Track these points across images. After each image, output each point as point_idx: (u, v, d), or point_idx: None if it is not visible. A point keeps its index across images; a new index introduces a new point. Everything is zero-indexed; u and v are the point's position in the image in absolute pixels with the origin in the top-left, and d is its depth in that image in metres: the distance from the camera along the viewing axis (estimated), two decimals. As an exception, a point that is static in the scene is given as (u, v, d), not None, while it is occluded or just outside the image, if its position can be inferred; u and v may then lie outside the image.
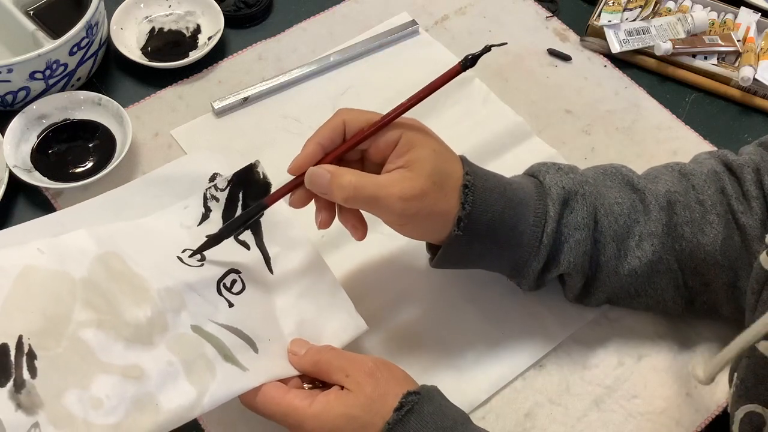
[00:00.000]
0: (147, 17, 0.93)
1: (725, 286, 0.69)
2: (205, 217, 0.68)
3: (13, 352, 0.53)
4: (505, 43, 0.62)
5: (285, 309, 0.66)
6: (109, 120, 0.84)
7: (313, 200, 0.64)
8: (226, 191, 0.69)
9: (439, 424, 0.58)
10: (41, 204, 0.80)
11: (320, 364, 0.61)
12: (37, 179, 0.79)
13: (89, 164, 0.81)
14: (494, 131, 0.87)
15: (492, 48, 0.60)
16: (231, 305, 0.63)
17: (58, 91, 0.84)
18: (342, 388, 0.59)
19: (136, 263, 0.61)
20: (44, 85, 0.82)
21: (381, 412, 0.57)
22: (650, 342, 0.74)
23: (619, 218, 0.68)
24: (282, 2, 0.98)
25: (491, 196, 0.64)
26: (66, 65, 0.82)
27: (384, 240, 0.77)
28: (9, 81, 0.80)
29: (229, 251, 0.66)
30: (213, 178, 0.70)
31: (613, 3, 0.97)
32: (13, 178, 0.78)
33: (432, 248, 0.70)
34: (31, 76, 0.81)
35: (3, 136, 0.80)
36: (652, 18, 0.97)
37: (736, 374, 0.62)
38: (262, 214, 0.67)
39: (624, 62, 0.95)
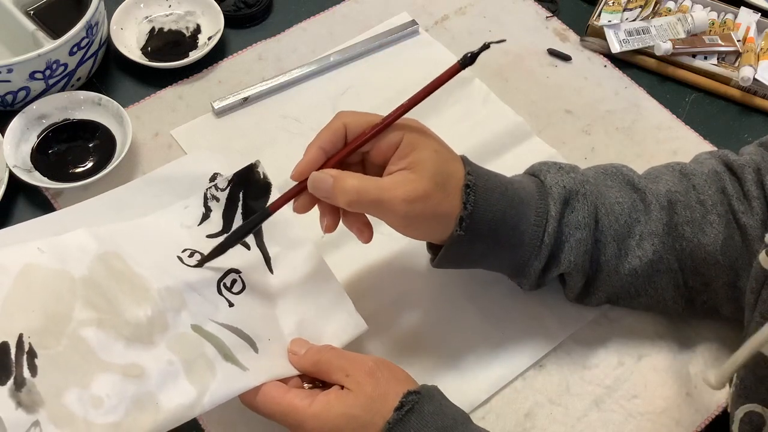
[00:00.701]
0: (147, 17, 0.93)
1: (725, 286, 0.69)
2: (205, 216, 0.68)
3: (13, 351, 0.53)
4: (504, 40, 0.62)
5: (285, 309, 0.66)
6: (109, 120, 0.84)
7: (316, 205, 0.64)
8: (227, 191, 0.69)
9: (439, 424, 0.58)
10: (41, 204, 0.80)
11: (320, 363, 0.61)
12: (37, 179, 0.79)
13: (89, 164, 0.81)
14: (494, 131, 0.87)
15: (491, 45, 0.59)
16: (231, 305, 0.63)
17: (58, 91, 0.84)
18: (342, 387, 0.59)
19: (136, 262, 0.61)
20: (44, 85, 0.82)
21: (381, 412, 0.57)
22: (650, 342, 0.74)
23: (620, 218, 0.68)
24: (282, 2, 0.98)
25: (493, 196, 0.64)
26: (66, 65, 0.82)
27: (384, 240, 0.77)
28: (9, 81, 0.80)
29: (229, 251, 0.66)
30: (213, 177, 0.70)
31: (613, 3, 0.97)
32: (13, 178, 0.78)
33: (433, 248, 0.70)
34: (31, 76, 0.81)
35: (3, 136, 0.80)
36: (652, 18, 0.97)
37: (736, 374, 0.62)
38: (267, 198, 0.67)
39: (624, 62, 0.95)
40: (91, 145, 0.83)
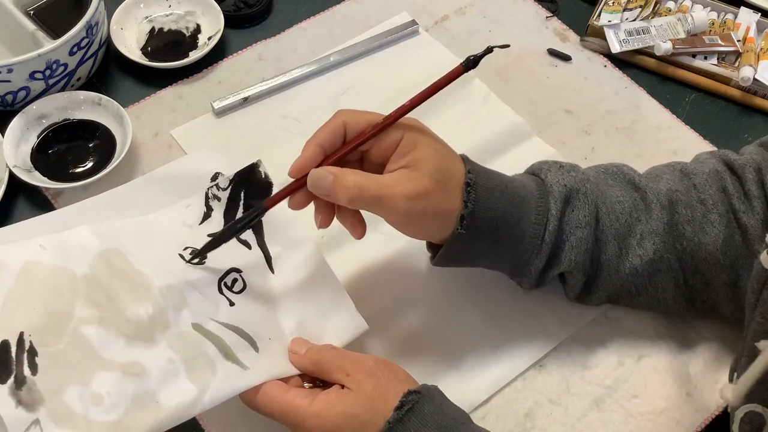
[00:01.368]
0: (147, 17, 0.93)
1: (726, 286, 0.69)
2: (206, 216, 0.68)
3: (14, 349, 0.54)
4: (508, 45, 0.62)
5: (286, 308, 0.66)
6: (109, 120, 0.84)
7: (312, 201, 0.64)
8: (228, 191, 0.69)
9: (439, 423, 0.58)
10: (41, 204, 0.80)
11: (321, 363, 0.61)
12: (37, 179, 0.79)
13: (89, 164, 0.81)
14: (494, 131, 0.87)
15: (494, 49, 0.60)
16: (232, 304, 0.63)
17: (58, 91, 0.84)
18: (342, 387, 0.59)
19: (137, 260, 0.61)
20: (44, 85, 0.82)
21: (381, 411, 0.57)
22: (650, 342, 0.74)
23: (621, 216, 0.68)
24: (282, 2, 0.98)
25: (493, 194, 0.64)
26: (66, 65, 0.82)
27: (385, 240, 0.77)
28: (9, 81, 0.80)
29: (230, 250, 0.66)
30: (215, 177, 0.70)
31: (613, 3, 0.97)
32: (13, 178, 0.78)
33: (432, 247, 0.70)
34: (31, 76, 0.81)
35: (3, 136, 0.80)
36: (652, 18, 0.97)
37: (735, 374, 0.62)
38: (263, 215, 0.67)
39: (624, 62, 0.95)
40: (91, 145, 0.83)
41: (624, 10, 0.97)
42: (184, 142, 0.85)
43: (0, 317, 0.55)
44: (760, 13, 0.97)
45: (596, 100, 0.92)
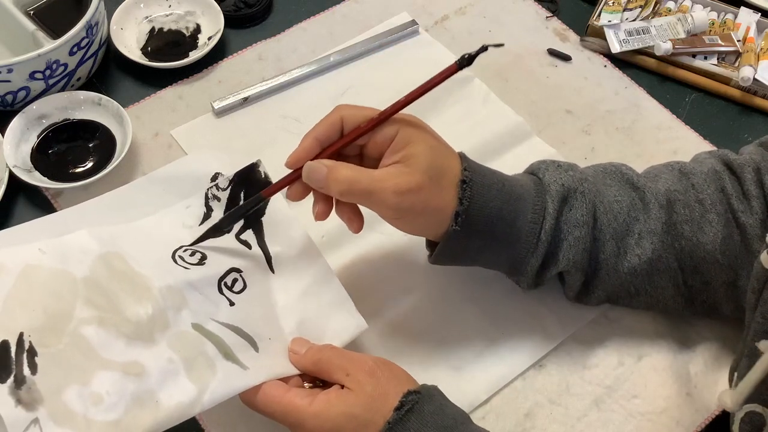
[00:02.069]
0: (147, 17, 0.93)
1: (725, 285, 0.69)
2: (206, 216, 0.68)
3: (13, 349, 0.54)
4: (502, 44, 0.62)
5: (286, 308, 0.66)
6: (109, 120, 0.84)
7: (311, 193, 0.65)
8: (228, 191, 0.69)
9: (439, 423, 0.58)
10: (41, 204, 0.80)
11: (321, 362, 0.61)
12: (37, 179, 0.79)
13: (89, 164, 0.81)
14: (494, 131, 0.87)
15: (489, 48, 0.60)
16: (232, 304, 0.63)
17: (58, 91, 0.84)
18: (342, 387, 0.59)
19: (137, 263, 0.61)
20: (44, 85, 0.82)
21: (381, 411, 0.57)
22: (650, 342, 0.74)
23: (619, 216, 0.68)
24: (282, 2, 0.98)
25: (489, 192, 0.64)
26: (66, 65, 0.82)
27: (384, 240, 0.77)
28: (9, 81, 0.80)
29: (230, 250, 0.66)
30: (215, 177, 0.70)
31: (613, 3, 0.97)
32: (13, 178, 0.78)
33: (431, 245, 0.70)
34: (31, 76, 0.81)
35: (3, 136, 0.80)
36: (652, 18, 0.97)
37: (736, 374, 0.62)
38: (265, 205, 0.68)
39: (624, 62, 0.95)
40: (91, 145, 0.83)
41: (624, 10, 0.97)
42: (184, 142, 0.85)
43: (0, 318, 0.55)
44: (760, 13, 0.97)
45: (596, 100, 0.92)
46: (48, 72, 0.81)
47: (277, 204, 0.69)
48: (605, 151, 0.87)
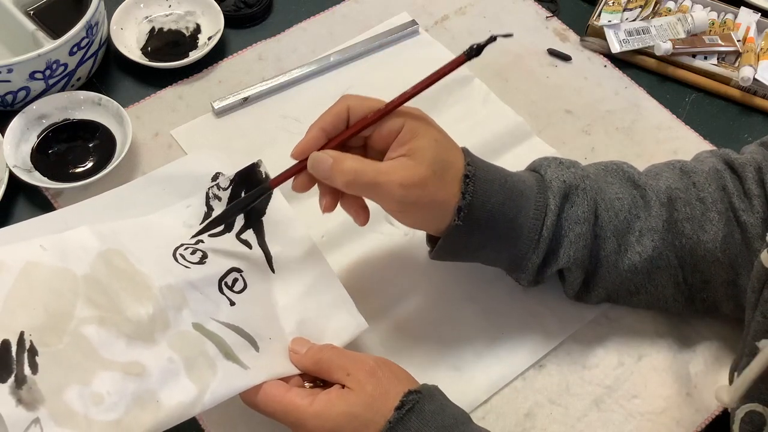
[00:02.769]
0: (147, 17, 0.93)
1: (725, 284, 0.69)
2: (207, 216, 0.68)
3: (14, 348, 0.54)
4: (511, 35, 0.62)
5: (286, 308, 0.66)
6: (109, 120, 0.84)
7: (316, 185, 0.64)
8: (229, 190, 0.69)
9: (439, 423, 0.58)
10: (41, 204, 0.80)
11: (321, 362, 0.61)
12: (37, 179, 0.79)
13: (89, 164, 0.81)
14: (494, 131, 0.87)
15: (497, 38, 0.60)
16: (232, 304, 0.63)
17: (58, 91, 0.84)
18: (343, 386, 0.59)
19: (138, 260, 0.61)
20: (44, 85, 0.82)
21: (382, 411, 0.57)
22: (650, 342, 0.74)
23: (620, 213, 0.68)
24: (282, 2, 0.98)
25: (492, 187, 0.64)
26: (66, 65, 0.82)
27: (385, 240, 0.77)
28: (9, 81, 0.80)
29: (230, 250, 0.66)
30: (215, 177, 0.70)
31: (613, 3, 0.97)
32: (13, 178, 0.78)
33: (432, 240, 0.70)
34: (31, 76, 0.81)
35: (3, 136, 0.80)
36: (652, 18, 0.97)
37: (736, 374, 0.62)
38: (266, 205, 0.68)
39: (624, 62, 0.95)
40: (91, 145, 0.83)
41: (624, 10, 0.97)
42: (184, 142, 0.85)
43: (0, 317, 0.55)
44: (760, 13, 0.97)
45: (596, 100, 0.92)
46: (48, 72, 0.81)
47: (278, 204, 0.69)
48: (605, 151, 0.87)
